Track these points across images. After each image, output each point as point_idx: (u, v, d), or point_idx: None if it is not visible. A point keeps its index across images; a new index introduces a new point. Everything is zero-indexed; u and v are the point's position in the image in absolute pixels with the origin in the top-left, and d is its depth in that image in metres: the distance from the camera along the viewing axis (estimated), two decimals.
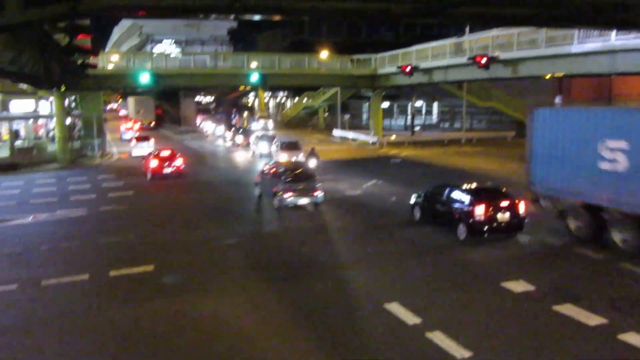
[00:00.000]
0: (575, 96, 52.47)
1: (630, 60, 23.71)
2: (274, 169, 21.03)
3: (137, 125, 60.17)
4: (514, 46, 28.85)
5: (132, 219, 19.37)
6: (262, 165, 24.24)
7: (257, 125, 58.12)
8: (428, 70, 36.72)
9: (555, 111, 17.87)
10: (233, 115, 73.15)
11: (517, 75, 30.37)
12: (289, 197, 19.33)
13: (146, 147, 37.60)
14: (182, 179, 27.66)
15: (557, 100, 33.01)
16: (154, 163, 27.87)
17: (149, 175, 27.92)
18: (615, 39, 23.29)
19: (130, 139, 45.13)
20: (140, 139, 41.69)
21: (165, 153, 28.94)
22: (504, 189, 16.26)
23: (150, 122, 66.00)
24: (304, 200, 19.50)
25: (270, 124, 60.00)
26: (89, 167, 34.18)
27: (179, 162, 28.39)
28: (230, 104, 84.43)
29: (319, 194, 19.66)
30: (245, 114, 76.00)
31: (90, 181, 27.90)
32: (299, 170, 20.81)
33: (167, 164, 27.91)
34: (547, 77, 32.48)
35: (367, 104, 59.16)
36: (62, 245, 15.57)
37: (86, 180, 28.11)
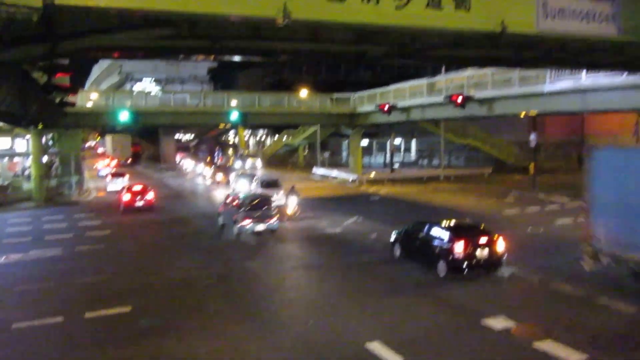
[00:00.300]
0: (549, 134, 53.83)
1: (599, 99, 24.51)
2: (235, 200, 22.53)
3: (114, 162, 60.77)
4: (489, 85, 29.65)
5: (109, 258, 19.03)
6: (224, 197, 25.57)
7: (244, 164, 57.30)
8: (406, 109, 37.38)
9: (624, 152, 15.33)
10: (216, 153, 73.08)
11: (492, 113, 31.09)
12: (247, 224, 20.84)
13: (121, 183, 38.54)
14: (156, 214, 28.14)
15: (532, 137, 33.75)
16: (126, 197, 29.54)
17: (121, 207, 29.10)
18: (585, 78, 24.10)
19: (106, 176, 46.27)
20: (115, 175, 42.89)
21: (138, 187, 30.70)
22: (482, 226, 16.41)
23: (127, 159, 68.01)
24: (260, 227, 20.97)
25: (259, 162, 59.39)
26: (66, 205, 33.68)
27: (150, 195, 30.00)
28: (213, 141, 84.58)
29: (274, 220, 21.30)
30: (230, 151, 75.88)
31: (66, 220, 27.45)
32: (257, 200, 22.31)
33: (139, 197, 29.58)
34: (522, 115, 33.32)
35: (346, 141, 59.74)
36: (35, 287, 15.17)
37: (62, 219, 27.65)
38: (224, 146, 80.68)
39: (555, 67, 19.37)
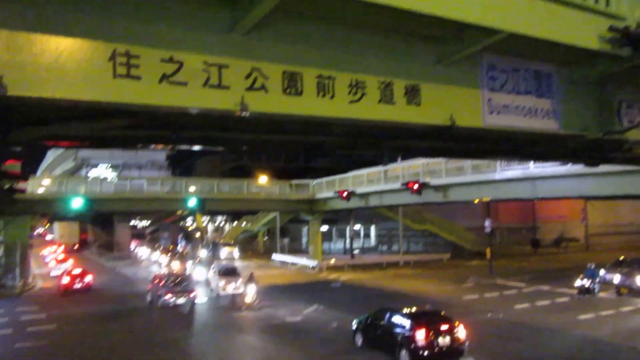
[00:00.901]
0: (503, 219, 55.38)
1: (547, 187, 25.58)
2: (161, 278, 26.50)
3: (61, 249, 59.73)
4: (443, 173, 30.61)
5: (52, 356, 17.77)
6: (152, 277, 28.79)
7: (215, 253, 54.18)
8: (364, 195, 37.98)
9: None
10: (179, 241, 70.33)
11: (447, 199, 31.87)
12: (168, 297, 24.36)
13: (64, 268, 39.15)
14: (95, 300, 28.44)
15: (487, 223, 34.59)
16: (65, 279, 31.73)
17: (60, 290, 31.07)
18: (533, 167, 25.24)
19: (51, 261, 47.23)
20: (60, 261, 43.70)
21: (77, 271, 33.07)
22: (442, 313, 16.32)
23: (74, 245, 68.83)
24: (181, 300, 24.55)
25: (236, 252, 55.31)
26: (8, 297, 31.73)
27: (88, 278, 32.52)
28: (175, 229, 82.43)
29: (193, 294, 24.99)
30: (198, 235, 73.13)
31: (7, 314, 25.73)
32: (179, 277, 26.94)
33: (77, 280, 31.84)
34: (476, 201, 34.31)
35: (306, 227, 59.62)
36: None
37: (2, 313, 25.93)
38: (189, 234, 78.23)
39: (504, 158, 20.31)
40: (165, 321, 22.63)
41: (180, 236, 74.43)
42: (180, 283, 25.61)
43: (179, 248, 62.87)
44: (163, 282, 25.77)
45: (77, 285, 31.31)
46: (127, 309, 25.80)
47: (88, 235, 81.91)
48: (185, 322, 22.46)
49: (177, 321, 22.61)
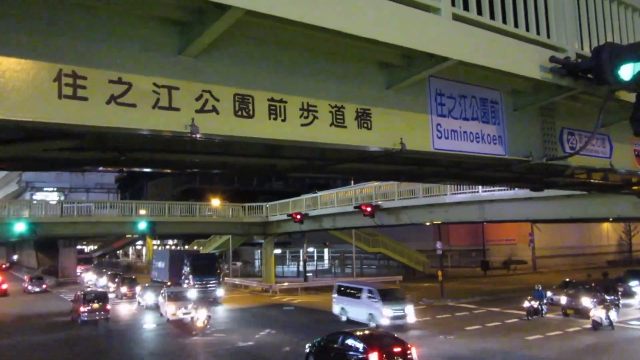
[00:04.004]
0: (454, 242, 56.50)
1: (495, 210, 26.36)
2: (81, 295, 28.41)
3: None
4: (396, 196, 31.08)
5: None
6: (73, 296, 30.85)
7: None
8: (318, 218, 38.04)
9: None
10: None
11: (400, 222, 32.33)
12: (84, 313, 27.08)
13: None
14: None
15: (438, 245, 35.16)
16: None
17: None
18: (482, 191, 25.98)
19: None
20: None
21: None
22: (395, 335, 16.38)
23: (2, 265, 75.27)
24: (98, 315, 27.36)
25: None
26: None
27: (4, 286, 42.82)
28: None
29: (108, 309, 27.96)
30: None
31: None
32: (95, 295, 28.87)
33: None
34: (428, 223, 34.88)
35: (259, 250, 59.06)
36: None
37: None
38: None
39: (453, 182, 20.80)
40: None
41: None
42: (97, 300, 27.77)
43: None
44: (83, 298, 27.78)
45: None
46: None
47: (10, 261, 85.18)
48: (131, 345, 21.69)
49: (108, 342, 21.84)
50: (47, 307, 35.46)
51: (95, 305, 27.43)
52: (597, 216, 28.36)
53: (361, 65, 7.04)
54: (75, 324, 27.67)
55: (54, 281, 54.68)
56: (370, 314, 23.98)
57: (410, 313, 23.96)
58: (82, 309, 27.23)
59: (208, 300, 27.73)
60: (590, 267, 52.59)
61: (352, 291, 26.28)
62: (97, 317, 27.34)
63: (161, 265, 46.56)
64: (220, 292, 37.17)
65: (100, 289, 38.29)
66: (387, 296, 24.23)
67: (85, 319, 27.02)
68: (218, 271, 39.00)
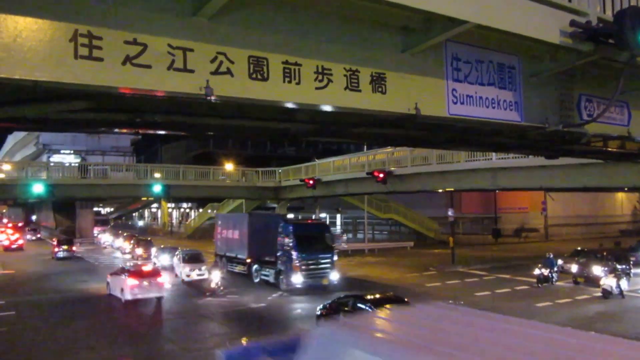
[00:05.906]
0: (466, 209, 56.46)
1: (508, 178, 26.20)
2: (123, 270, 24.01)
3: (10, 225, 63.99)
4: (409, 162, 30.98)
5: (14, 344, 17.36)
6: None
7: None
8: (330, 183, 38.14)
9: None
10: None
11: (412, 189, 32.31)
12: (136, 291, 22.38)
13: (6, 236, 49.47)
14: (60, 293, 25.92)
15: (450, 212, 35.18)
16: (5, 242, 47.39)
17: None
18: (495, 158, 25.79)
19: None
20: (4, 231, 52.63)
21: (14, 237, 48.82)
22: (405, 299, 16.58)
23: (19, 222, 76.59)
24: (151, 294, 22.75)
25: None
26: None
27: (20, 241, 49.07)
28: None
29: (162, 289, 23.32)
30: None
31: None
32: (148, 269, 24.01)
33: (15, 239, 48.53)
34: (440, 190, 34.86)
35: None
36: None
37: None
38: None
39: (468, 148, 20.69)
40: (127, 309, 22.37)
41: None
42: (150, 276, 22.97)
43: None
44: (125, 270, 23.55)
45: (14, 245, 47.28)
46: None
47: (27, 222, 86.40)
48: (148, 310, 22.24)
49: (140, 309, 22.39)
50: (83, 284, 36.22)
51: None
52: (612, 185, 28.15)
53: (377, 29, 6.96)
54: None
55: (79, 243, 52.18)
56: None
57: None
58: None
59: (316, 287, 23.49)
60: (603, 236, 52.40)
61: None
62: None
63: (234, 234, 31.96)
64: (335, 275, 25.60)
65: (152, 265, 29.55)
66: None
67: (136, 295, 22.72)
68: (332, 245, 27.32)
